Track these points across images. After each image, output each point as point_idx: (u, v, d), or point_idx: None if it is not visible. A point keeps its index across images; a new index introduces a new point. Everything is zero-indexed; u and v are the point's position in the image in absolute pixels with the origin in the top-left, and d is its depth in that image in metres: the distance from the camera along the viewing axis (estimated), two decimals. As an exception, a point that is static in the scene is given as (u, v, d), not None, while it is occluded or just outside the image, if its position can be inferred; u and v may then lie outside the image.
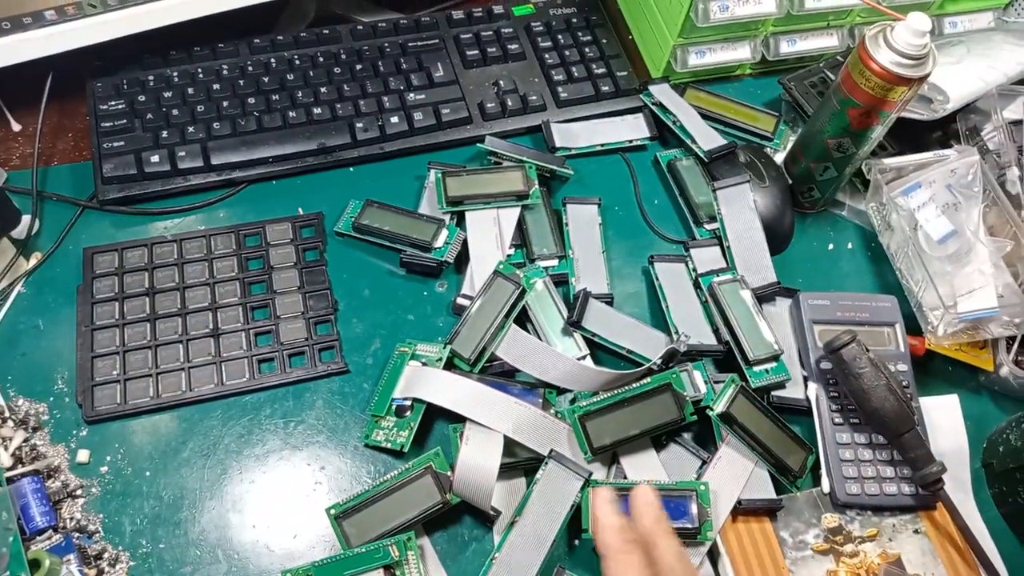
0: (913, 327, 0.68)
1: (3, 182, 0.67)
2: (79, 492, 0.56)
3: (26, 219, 0.65)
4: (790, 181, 0.75)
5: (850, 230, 0.76)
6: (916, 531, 0.61)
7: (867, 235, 0.76)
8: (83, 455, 0.57)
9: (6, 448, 0.55)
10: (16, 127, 0.72)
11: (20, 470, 0.54)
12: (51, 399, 0.59)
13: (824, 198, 0.75)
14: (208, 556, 0.55)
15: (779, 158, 0.77)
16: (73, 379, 0.60)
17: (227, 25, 0.72)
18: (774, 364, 0.64)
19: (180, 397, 0.60)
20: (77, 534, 0.54)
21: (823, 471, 0.62)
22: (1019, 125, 0.74)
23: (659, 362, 0.61)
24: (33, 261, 0.65)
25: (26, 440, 0.56)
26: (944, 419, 0.67)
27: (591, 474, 0.57)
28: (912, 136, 0.77)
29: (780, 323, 0.68)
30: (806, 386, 0.65)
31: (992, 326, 0.66)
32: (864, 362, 0.60)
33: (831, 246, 0.75)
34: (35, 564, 0.50)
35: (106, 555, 0.54)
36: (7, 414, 0.57)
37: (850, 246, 0.75)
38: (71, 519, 0.54)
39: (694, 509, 0.56)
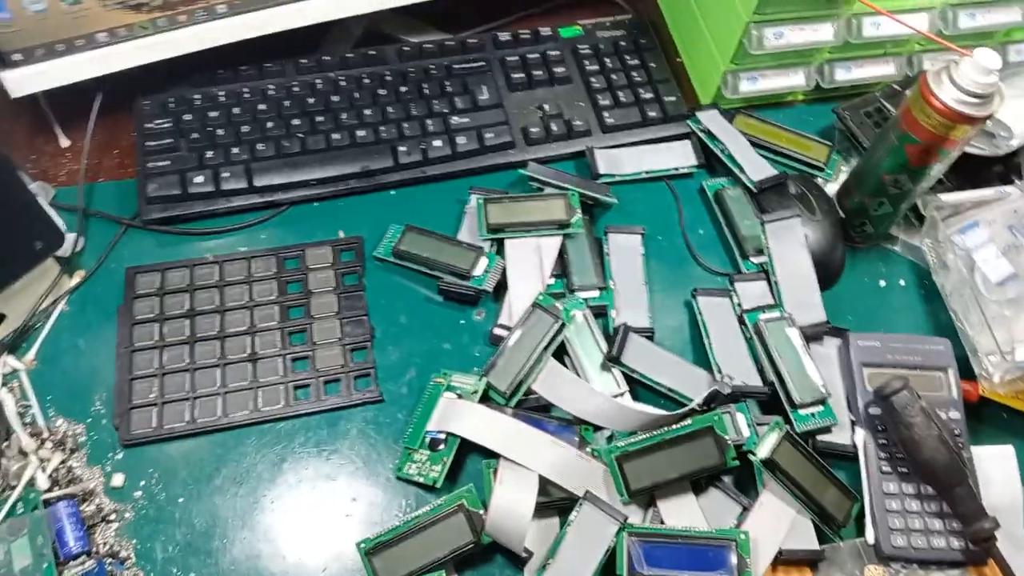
0: (966, 371, 0.65)
1: (51, 199, 0.68)
2: (113, 517, 0.56)
3: (71, 237, 0.65)
4: (842, 215, 0.72)
5: (903, 266, 0.74)
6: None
7: (920, 271, 0.73)
8: (118, 479, 0.57)
9: (44, 470, 0.55)
10: (64, 143, 0.73)
11: (57, 492, 0.55)
12: (89, 420, 0.59)
13: (877, 233, 0.72)
14: (239, 587, 0.55)
15: (831, 189, 0.75)
16: (111, 400, 0.60)
17: (273, 44, 0.72)
18: (820, 408, 0.62)
19: (215, 423, 0.60)
20: (110, 560, 0.54)
21: (868, 521, 0.60)
22: (1086, 163, 0.71)
23: (701, 403, 0.60)
24: (76, 279, 0.65)
25: (63, 462, 0.57)
26: (998, 470, 0.64)
27: (627, 518, 0.56)
28: (971, 170, 0.74)
29: (828, 364, 0.66)
30: (853, 432, 0.63)
31: (1052, 375, 0.64)
32: (916, 411, 0.58)
33: (882, 283, 0.73)
34: (68, 590, 0.50)
35: (138, 582, 0.54)
36: (46, 435, 0.58)
37: (902, 283, 0.73)
38: (104, 544, 0.54)
39: (733, 559, 0.55)
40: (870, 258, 0.74)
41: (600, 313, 0.67)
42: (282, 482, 0.59)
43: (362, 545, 0.55)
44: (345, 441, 0.61)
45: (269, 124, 0.71)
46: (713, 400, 0.60)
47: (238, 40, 0.69)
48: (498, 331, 0.65)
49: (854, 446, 0.62)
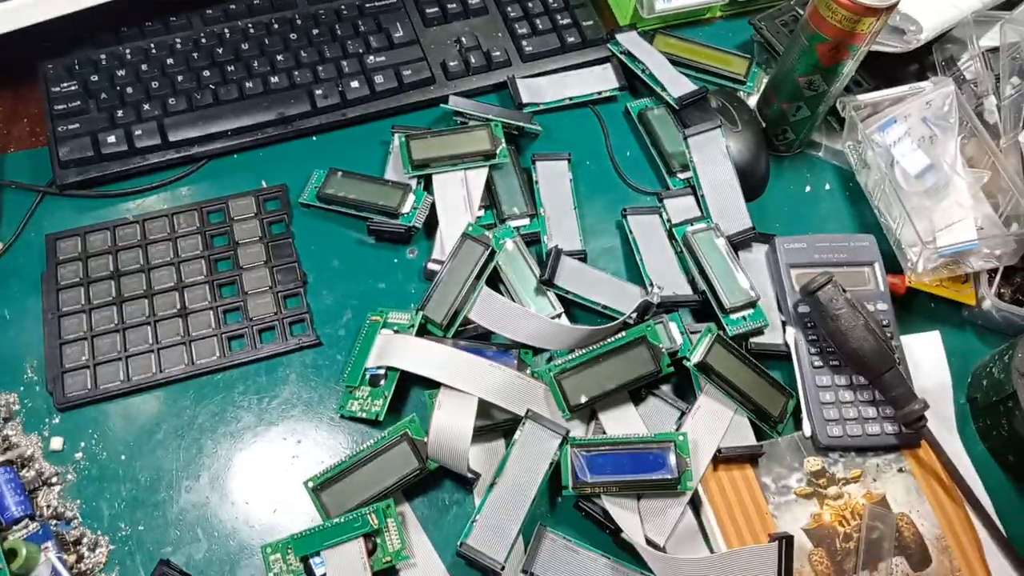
0: (893, 266, 0.67)
1: (-41, 172, 0.66)
2: (55, 480, 0.55)
3: (-16, 208, 0.64)
4: (764, 124, 0.73)
5: (827, 171, 0.75)
6: (900, 470, 0.60)
7: (845, 175, 0.74)
8: (56, 442, 0.57)
9: (-23, 440, 0.55)
10: (-32, 115, 0.71)
11: (-7, 461, 0.54)
12: (21, 388, 0.59)
13: (799, 140, 0.73)
14: (188, 535, 0.55)
15: (752, 101, 0.76)
16: (42, 367, 0.59)
17: (178, -4, 0.70)
18: (751, 311, 0.63)
19: (151, 379, 0.59)
20: (55, 521, 0.54)
21: (804, 415, 0.61)
22: (996, 53, 0.72)
23: (633, 315, 0.61)
24: (-5, 251, 0.64)
25: (-2, 431, 0.56)
26: (926, 356, 0.66)
27: (568, 432, 0.57)
28: (887, 70, 0.76)
29: (758, 269, 0.67)
30: (784, 331, 0.64)
31: (972, 259, 0.65)
32: (841, 303, 0.60)
33: (808, 188, 0.74)
34: (12, 554, 0.50)
35: (85, 540, 0.53)
36: (-23, 406, 0.57)
37: (828, 187, 0.74)
38: (48, 507, 0.54)
39: (673, 460, 0.56)
40: (795, 165, 0.75)
41: (533, 241, 0.67)
42: (225, 431, 0.59)
43: (309, 483, 0.55)
44: (285, 387, 0.61)
45: (179, 78, 0.69)
46: (646, 311, 0.61)
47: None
48: (432, 266, 0.65)
49: (786, 345, 0.64)
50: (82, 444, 0.57)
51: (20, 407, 0.58)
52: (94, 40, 0.71)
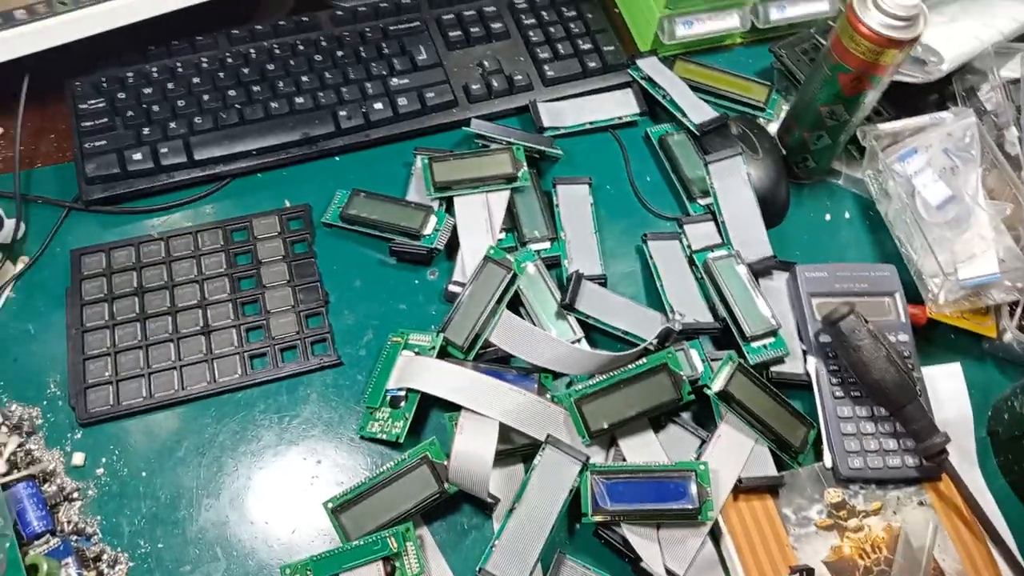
0: (914, 296, 0.67)
1: (-14, 187, 0.66)
2: (75, 495, 0.55)
3: (10, 223, 0.64)
4: (784, 152, 0.73)
5: (847, 199, 0.75)
6: (921, 503, 0.60)
7: (865, 204, 0.74)
8: (78, 458, 0.57)
9: (0, 454, 0.55)
10: (-3, 130, 0.72)
11: (15, 475, 0.54)
12: (44, 403, 0.59)
13: (819, 168, 0.74)
14: (207, 554, 0.55)
15: (773, 128, 0.76)
16: (65, 382, 0.59)
17: (206, 17, 0.71)
18: (772, 339, 0.63)
19: (173, 396, 0.59)
20: (75, 537, 0.54)
21: (825, 446, 0.61)
22: (1017, 84, 0.72)
23: (654, 342, 0.61)
24: (20, 265, 0.64)
25: (20, 445, 0.56)
26: (947, 388, 0.66)
27: (589, 458, 0.56)
28: (907, 100, 0.76)
29: (778, 297, 0.67)
30: (805, 360, 0.64)
31: (994, 292, 0.65)
32: (863, 334, 0.59)
33: (828, 216, 0.74)
34: (33, 569, 0.50)
35: (105, 557, 0.53)
36: (1, 420, 0.57)
37: (847, 216, 0.74)
38: (68, 522, 0.54)
39: (694, 489, 0.56)
40: (815, 193, 0.75)
41: (553, 264, 0.67)
42: (245, 450, 0.59)
43: (328, 504, 0.55)
44: (306, 406, 0.61)
45: (205, 97, 0.70)
46: (667, 338, 0.61)
47: (166, 13, 0.68)
48: (452, 288, 0.65)
49: (807, 374, 0.64)
50: (103, 460, 0.57)
51: (43, 421, 0.58)
52: (121, 58, 0.72)
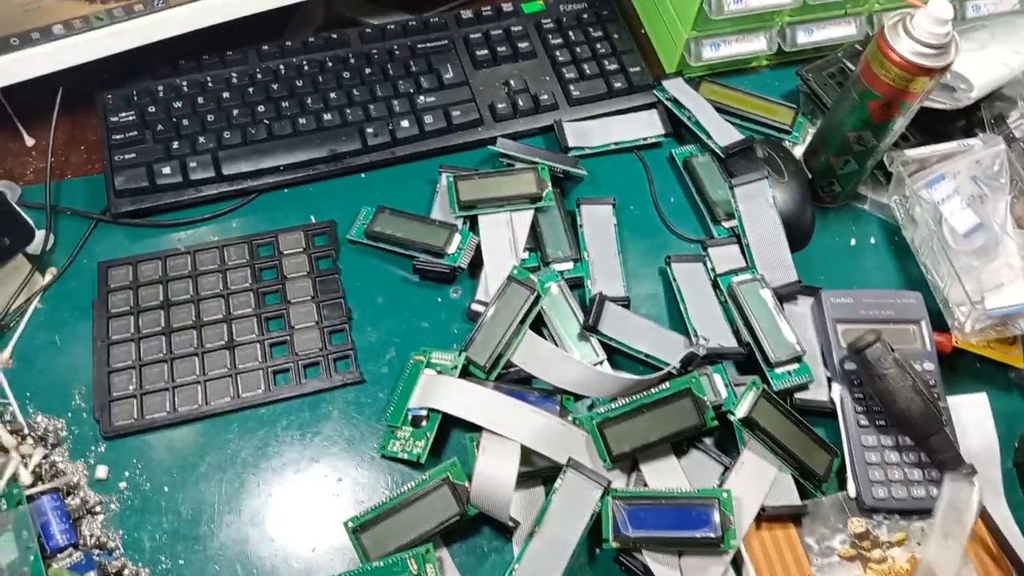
0: (939, 324, 0.66)
1: (17, 197, 0.67)
2: (98, 509, 0.56)
3: (40, 234, 0.65)
4: (810, 176, 0.73)
5: (873, 224, 0.74)
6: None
7: (890, 229, 0.74)
8: (102, 471, 0.57)
9: (26, 466, 0.55)
10: (29, 141, 0.72)
11: (40, 488, 0.55)
12: (69, 415, 0.59)
13: (845, 192, 0.73)
14: (227, 571, 0.55)
15: (798, 151, 0.76)
16: (90, 395, 0.60)
17: (236, 32, 0.72)
18: (796, 365, 0.63)
19: (197, 411, 0.60)
20: (97, 551, 0.54)
21: (849, 475, 0.61)
22: (1047, 112, 0.72)
23: (677, 366, 0.60)
24: (48, 277, 0.65)
25: (45, 457, 0.57)
26: (973, 418, 0.65)
27: (610, 483, 0.56)
28: (935, 126, 0.75)
29: (802, 323, 0.66)
30: (830, 387, 0.64)
31: (1021, 322, 0.65)
32: (889, 362, 0.59)
33: (853, 241, 0.73)
34: (56, 583, 0.50)
35: (126, 572, 0.54)
36: (26, 431, 0.57)
37: (873, 241, 0.74)
38: (91, 536, 0.54)
39: (716, 518, 0.55)
40: (840, 217, 0.75)
41: (576, 284, 0.67)
42: (267, 466, 0.59)
43: (349, 523, 0.55)
44: (328, 423, 0.61)
45: (234, 112, 0.71)
46: (690, 363, 0.61)
47: (197, 29, 0.69)
48: (475, 307, 0.65)
49: (831, 402, 0.63)
50: (126, 474, 0.58)
51: (67, 434, 0.59)
52: (152, 71, 0.73)
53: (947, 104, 0.73)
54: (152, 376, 0.60)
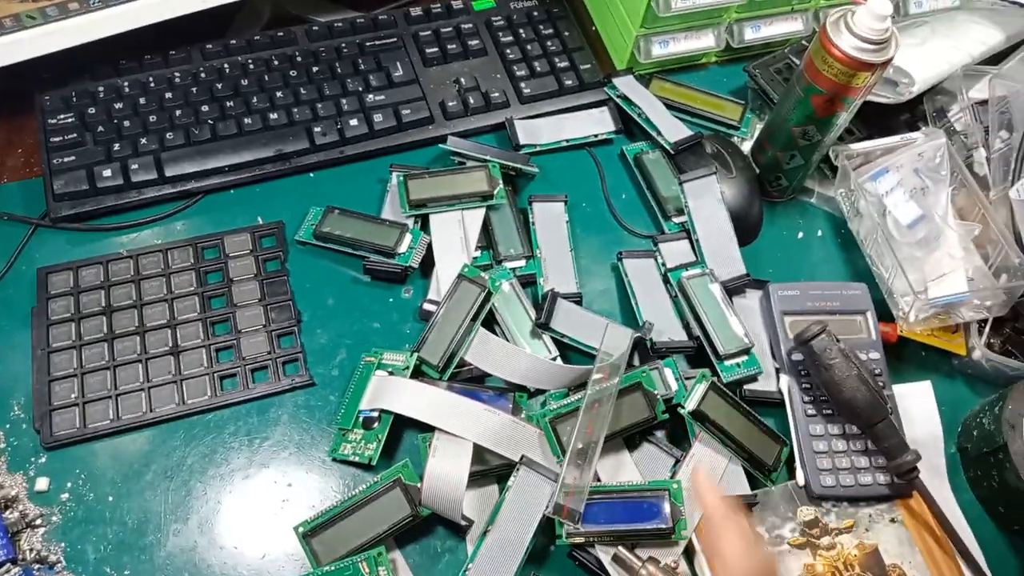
0: (885, 314, 0.68)
1: (-50, 203, 0.65)
2: (39, 521, 0.54)
3: (-25, 241, 0.63)
4: (757, 171, 0.74)
5: (820, 217, 0.76)
6: (892, 520, 0.61)
7: (837, 222, 0.75)
8: (42, 483, 0.56)
9: (-39, 480, 0.54)
10: (-38, 145, 0.70)
11: (-24, 502, 0.53)
12: (7, 426, 0.58)
13: (792, 186, 0.74)
14: (175, 581, 0.54)
15: (746, 147, 0.77)
16: (30, 404, 0.58)
17: (179, 31, 0.70)
18: (745, 358, 0.63)
19: (141, 418, 0.58)
20: (38, 566, 0.52)
21: (797, 464, 0.61)
22: (985, 105, 0.74)
23: (611, 350, 0.61)
24: (-16, 283, 0.63)
25: (-18, 470, 0.55)
26: (917, 406, 0.66)
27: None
28: (879, 119, 0.77)
29: (751, 315, 0.67)
30: (778, 379, 0.65)
31: (963, 310, 0.66)
32: (835, 353, 0.60)
33: (801, 234, 0.75)
34: (-7, 599, 0.49)
35: (69, 585, 0.52)
36: (-38, 444, 0.56)
37: (820, 234, 0.75)
38: (31, 550, 0.53)
39: (667, 508, 0.56)
40: (788, 212, 0.76)
41: (529, 282, 0.67)
42: (214, 473, 0.58)
43: (299, 528, 0.54)
44: (277, 428, 0.60)
45: (177, 112, 0.69)
46: (637, 346, 0.61)
47: (138, 27, 0.67)
48: (427, 306, 0.65)
49: (780, 392, 0.64)
50: (68, 484, 0.56)
51: (5, 445, 0.57)
52: (92, 72, 0.71)
53: (890, 98, 0.74)
54: (94, 384, 0.59)
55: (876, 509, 0.61)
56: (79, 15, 0.64)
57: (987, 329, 0.67)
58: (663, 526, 0.55)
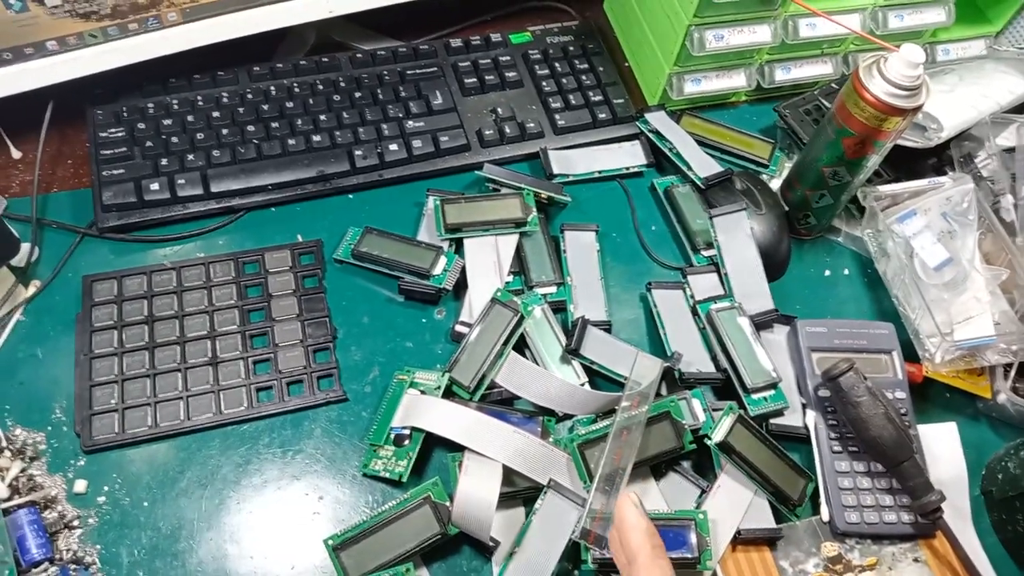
0: (910, 354, 0.68)
1: (3, 210, 0.67)
2: (76, 523, 0.55)
3: (25, 247, 0.65)
4: (786, 208, 0.75)
5: (846, 256, 0.77)
6: (916, 559, 0.61)
7: (863, 261, 0.76)
8: (80, 485, 0.57)
9: (3, 479, 0.55)
10: (16, 154, 0.72)
11: (16, 501, 0.54)
12: (49, 428, 0.59)
13: (820, 225, 0.75)
14: (205, 588, 0.55)
15: (775, 185, 0.78)
16: (71, 408, 0.60)
17: (227, 53, 0.73)
18: (772, 392, 0.64)
19: (178, 426, 0.59)
20: (74, 566, 0.53)
21: (822, 499, 0.62)
22: (1012, 152, 0.75)
23: (641, 380, 0.61)
24: (32, 289, 0.65)
25: (23, 470, 0.56)
26: (943, 447, 0.67)
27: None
28: (907, 163, 0.78)
29: (778, 350, 0.68)
30: (804, 414, 0.65)
31: (989, 353, 0.67)
32: (862, 390, 0.61)
33: (828, 272, 0.75)
34: (30, 598, 0.50)
35: (102, 587, 0.53)
36: (4, 444, 0.57)
37: (847, 272, 0.76)
38: (68, 551, 0.54)
39: (693, 539, 0.56)
40: (815, 249, 0.77)
41: (559, 308, 0.68)
42: (247, 483, 0.59)
43: (329, 541, 0.55)
44: (310, 441, 0.61)
45: (224, 131, 0.71)
46: (665, 376, 0.62)
47: (189, 49, 0.69)
48: (459, 328, 0.66)
49: (806, 427, 0.65)
50: (105, 488, 0.57)
51: (46, 447, 0.58)
52: (143, 89, 0.74)
53: (919, 143, 0.75)
54: (134, 391, 0.60)
55: (900, 548, 0.61)
56: (136, 35, 0.67)
57: (1012, 373, 0.68)
58: (688, 555, 0.56)
